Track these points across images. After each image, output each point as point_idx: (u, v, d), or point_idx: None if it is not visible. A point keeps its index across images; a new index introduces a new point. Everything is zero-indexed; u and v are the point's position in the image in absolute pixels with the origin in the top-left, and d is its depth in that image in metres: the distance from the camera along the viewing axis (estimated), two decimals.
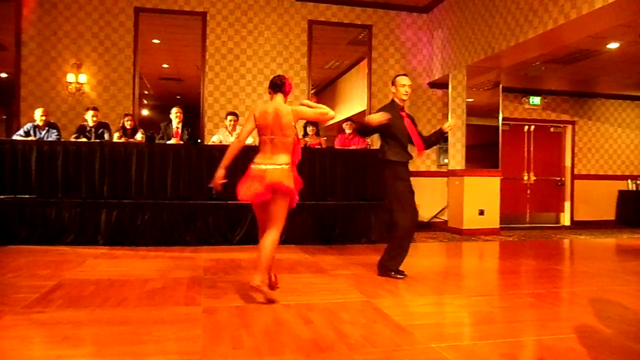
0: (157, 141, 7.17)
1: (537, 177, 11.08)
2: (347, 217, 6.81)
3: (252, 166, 3.68)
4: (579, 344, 2.72)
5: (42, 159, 6.21)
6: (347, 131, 7.84)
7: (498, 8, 7.54)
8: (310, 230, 6.65)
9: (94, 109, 7.30)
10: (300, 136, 7.74)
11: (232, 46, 8.88)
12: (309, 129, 7.65)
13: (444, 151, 9.46)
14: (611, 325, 3.11)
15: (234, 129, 7.19)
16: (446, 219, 9.03)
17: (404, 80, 4.56)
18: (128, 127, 7.32)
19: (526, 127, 11.13)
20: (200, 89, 8.83)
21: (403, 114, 4.58)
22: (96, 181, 6.30)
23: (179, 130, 7.23)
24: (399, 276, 4.49)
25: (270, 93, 3.82)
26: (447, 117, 9.05)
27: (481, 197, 8.44)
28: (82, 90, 8.37)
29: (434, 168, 9.74)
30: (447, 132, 4.63)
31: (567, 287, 4.63)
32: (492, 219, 8.50)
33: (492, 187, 8.53)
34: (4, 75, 8.70)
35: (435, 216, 9.33)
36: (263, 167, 3.60)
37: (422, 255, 6.21)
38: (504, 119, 9.15)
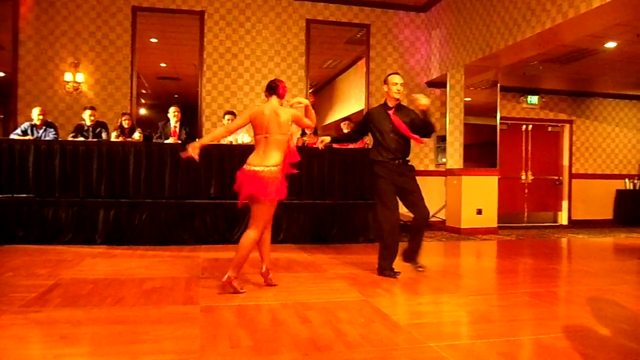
0: (154, 140, 7.15)
1: (534, 177, 11.09)
2: (344, 216, 6.81)
3: (245, 167, 3.83)
4: (576, 343, 2.72)
5: (39, 158, 6.19)
6: (345, 131, 7.83)
7: (496, 7, 7.54)
8: (307, 230, 6.64)
9: (92, 108, 7.29)
10: (298, 135, 7.74)
11: (230, 45, 8.87)
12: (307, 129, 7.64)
13: (442, 150, 9.46)
14: (609, 325, 3.12)
15: None
16: (444, 218, 9.04)
17: (395, 79, 4.58)
18: (126, 126, 7.31)
19: (524, 127, 11.14)
20: (198, 88, 8.81)
21: (390, 112, 4.57)
22: (94, 180, 6.28)
23: (177, 130, 7.22)
24: (392, 275, 4.50)
25: (266, 96, 4.03)
26: (445, 117, 9.06)
27: (479, 197, 8.45)
28: (80, 89, 8.36)
29: (432, 167, 9.75)
30: (425, 109, 4.53)
31: (564, 286, 4.64)
32: (490, 218, 8.51)
33: (490, 186, 8.54)
34: (1, 74, 8.67)
35: (433, 215, 9.33)
36: (253, 168, 3.77)
37: (420, 255, 6.21)
38: (501, 118, 9.16)
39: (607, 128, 11.78)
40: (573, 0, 5.91)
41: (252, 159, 3.83)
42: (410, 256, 4.78)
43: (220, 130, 3.95)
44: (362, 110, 9.51)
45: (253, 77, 8.93)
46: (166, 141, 6.93)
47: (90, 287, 3.83)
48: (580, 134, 11.52)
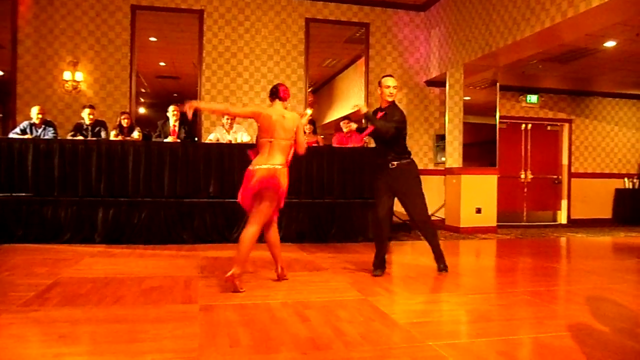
0: (154, 139, 7.15)
1: (534, 176, 11.10)
2: (344, 216, 6.81)
3: (251, 168, 3.92)
4: (575, 342, 2.72)
5: (38, 157, 6.18)
6: (345, 130, 7.81)
7: (495, 6, 7.54)
8: (307, 229, 6.64)
9: (91, 107, 7.28)
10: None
11: (229, 44, 8.87)
12: (306, 128, 7.64)
13: (441, 149, 9.46)
14: (608, 323, 3.12)
15: (230, 127, 7.19)
16: (443, 217, 9.04)
17: (388, 82, 4.56)
18: (125, 125, 7.31)
19: (523, 126, 11.15)
20: (197, 87, 8.80)
21: (381, 114, 4.57)
22: (93, 179, 6.27)
23: (176, 129, 7.22)
24: (373, 273, 4.52)
25: (270, 100, 4.15)
26: (445, 116, 9.06)
27: (478, 196, 8.45)
28: (79, 88, 8.35)
29: (431, 166, 9.74)
30: (362, 113, 4.46)
31: (563, 285, 4.64)
32: (489, 217, 8.51)
33: (489, 185, 8.54)
34: (0, 73, 8.68)
35: (432, 214, 9.32)
36: (264, 167, 3.87)
37: (419, 253, 6.21)
38: (501, 117, 9.16)
39: (607, 127, 11.79)
40: None
41: (257, 160, 3.94)
42: (436, 260, 4.75)
43: (221, 105, 4.00)
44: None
45: (252, 75, 8.92)
46: (165, 140, 6.93)
47: (89, 286, 3.83)
48: (579, 133, 11.53)
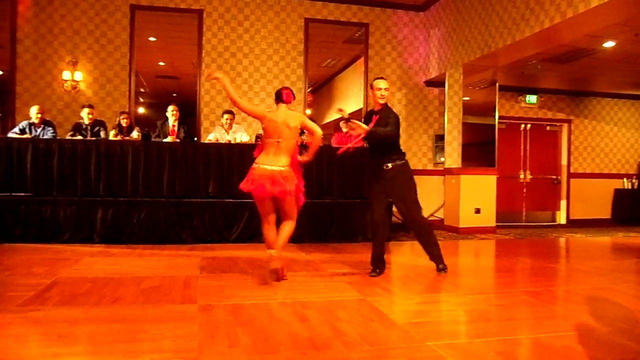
0: (153, 139, 7.14)
1: (533, 176, 11.10)
2: (343, 216, 6.81)
3: (256, 166, 4.08)
4: (574, 342, 2.73)
5: (37, 156, 6.19)
6: (344, 130, 7.82)
7: (494, 6, 7.54)
8: (306, 229, 6.63)
9: (90, 106, 7.28)
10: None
11: (229, 44, 8.86)
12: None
13: (441, 149, 9.47)
14: (607, 324, 3.12)
15: (230, 127, 7.19)
16: (442, 217, 9.04)
17: (380, 84, 4.52)
18: (124, 125, 7.31)
19: (522, 126, 11.15)
20: (196, 86, 8.81)
21: (375, 117, 4.55)
22: (92, 179, 6.27)
23: (175, 128, 7.21)
24: (370, 273, 4.52)
25: (275, 103, 4.32)
26: (444, 116, 9.06)
27: (477, 196, 8.45)
28: (78, 87, 8.35)
29: (430, 166, 9.74)
30: (364, 134, 4.48)
31: (563, 286, 4.65)
32: (489, 218, 8.52)
33: (488, 185, 8.54)
34: None
35: (431, 215, 9.33)
36: (268, 167, 4.03)
37: (418, 254, 6.21)
38: (500, 117, 9.17)
39: (606, 127, 11.79)
40: None
41: (262, 159, 4.10)
42: (434, 260, 4.74)
43: (234, 92, 4.16)
44: (360, 110, 9.51)
45: (251, 75, 8.92)
46: (164, 140, 6.93)
47: (88, 286, 3.83)
48: (578, 134, 11.53)
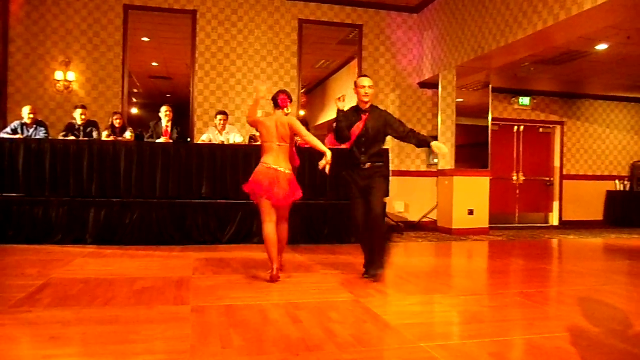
0: (146, 140, 7.12)
1: (526, 178, 11.15)
2: (336, 217, 6.80)
3: (263, 164, 4.26)
4: (567, 343, 2.74)
5: (29, 157, 6.15)
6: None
7: (488, 9, 7.57)
8: (299, 230, 6.62)
9: (83, 107, 7.25)
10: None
11: (222, 45, 8.85)
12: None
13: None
14: (599, 325, 3.13)
15: (223, 128, 7.17)
16: (435, 218, 9.06)
17: (364, 82, 4.43)
18: (117, 125, 7.28)
19: (515, 128, 11.20)
20: (190, 87, 8.79)
21: (364, 116, 4.50)
22: (84, 180, 6.24)
23: (169, 129, 7.19)
24: (366, 276, 4.41)
25: (274, 108, 4.48)
26: (437, 117, 9.09)
27: (471, 197, 8.48)
28: (71, 88, 8.31)
29: (423, 168, 9.76)
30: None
31: (555, 287, 4.67)
32: (482, 219, 8.54)
33: (481, 187, 8.57)
34: None
35: (424, 216, 9.35)
36: (268, 165, 4.24)
37: (412, 255, 6.23)
38: (493, 119, 9.20)
39: (598, 129, 11.86)
40: (565, 2, 5.94)
41: (269, 159, 4.27)
42: (370, 263, 4.49)
43: (254, 103, 4.49)
44: None
45: (245, 76, 8.91)
46: (158, 141, 6.90)
47: (81, 287, 3.80)
48: (571, 136, 11.59)
